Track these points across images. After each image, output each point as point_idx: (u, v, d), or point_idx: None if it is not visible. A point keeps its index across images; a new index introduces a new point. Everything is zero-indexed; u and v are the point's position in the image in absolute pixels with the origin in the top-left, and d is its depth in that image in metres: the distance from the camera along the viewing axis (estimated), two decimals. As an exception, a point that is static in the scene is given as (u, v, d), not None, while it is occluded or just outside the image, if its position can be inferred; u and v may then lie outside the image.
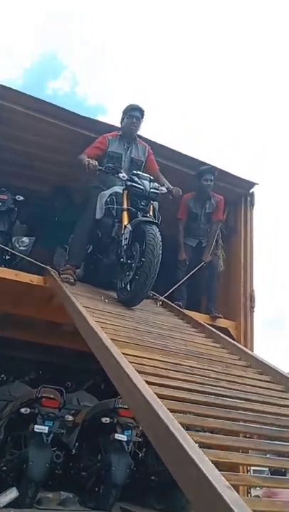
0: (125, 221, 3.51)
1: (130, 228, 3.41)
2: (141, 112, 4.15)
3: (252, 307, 5.16)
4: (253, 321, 5.13)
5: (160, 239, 3.26)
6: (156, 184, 3.67)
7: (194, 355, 2.52)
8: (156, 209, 3.70)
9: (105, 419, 3.72)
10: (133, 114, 4.11)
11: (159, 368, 2.03)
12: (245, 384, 2.29)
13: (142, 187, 3.55)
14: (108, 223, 3.72)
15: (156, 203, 3.71)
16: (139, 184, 3.55)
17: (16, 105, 4.24)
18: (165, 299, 4.14)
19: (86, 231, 3.89)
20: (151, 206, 3.61)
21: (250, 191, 5.49)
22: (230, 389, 2.10)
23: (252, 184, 5.48)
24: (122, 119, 4.18)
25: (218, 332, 3.30)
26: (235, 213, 5.53)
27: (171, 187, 4.03)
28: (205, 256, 5.01)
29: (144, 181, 3.58)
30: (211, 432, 1.74)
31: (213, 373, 2.29)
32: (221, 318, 4.83)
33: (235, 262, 5.35)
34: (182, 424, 1.38)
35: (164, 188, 3.84)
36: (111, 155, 4.04)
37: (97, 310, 2.94)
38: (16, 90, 4.27)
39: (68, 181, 5.24)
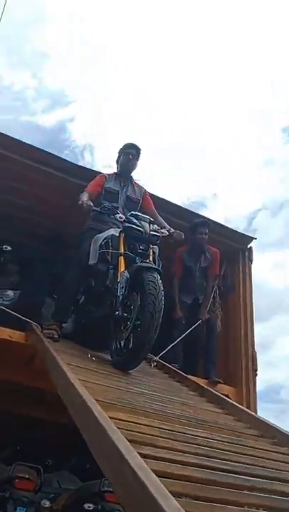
0: (122, 267, 3.08)
1: (127, 275, 2.97)
2: (137, 149, 3.96)
3: (254, 370, 4.70)
4: (255, 386, 4.64)
5: (162, 288, 2.79)
6: (156, 226, 3.29)
7: (196, 422, 2.07)
8: (157, 254, 3.27)
9: (88, 506, 3.12)
10: (129, 151, 3.93)
11: (154, 436, 1.60)
12: (261, 457, 1.83)
13: (141, 229, 3.15)
14: (102, 270, 3.29)
15: (157, 247, 3.29)
16: (137, 226, 3.16)
17: (9, 152, 4.11)
18: (160, 360, 3.70)
19: (77, 279, 3.51)
20: (151, 251, 3.19)
21: (248, 246, 5.28)
22: (245, 464, 1.65)
23: (250, 239, 5.27)
24: (118, 157, 4.00)
25: (221, 395, 2.85)
26: (232, 269, 5.26)
27: (172, 230, 3.67)
28: (202, 314, 4.64)
29: (143, 223, 3.19)
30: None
31: (220, 444, 1.84)
32: (221, 383, 4.35)
33: (235, 321, 4.97)
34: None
35: (164, 231, 3.47)
36: (108, 190, 3.79)
37: (81, 368, 2.51)
38: (9, 137, 4.12)
39: (60, 231, 5.00)
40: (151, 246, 3.19)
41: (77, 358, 2.83)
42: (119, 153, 3.98)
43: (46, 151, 4.27)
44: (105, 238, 3.35)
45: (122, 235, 3.22)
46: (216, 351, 4.66)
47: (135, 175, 4.05)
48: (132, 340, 2.84)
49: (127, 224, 3.22)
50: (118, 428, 1.44)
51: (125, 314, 2.94)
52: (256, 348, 4.85)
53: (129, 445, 1.22)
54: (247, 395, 4.42)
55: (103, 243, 3.33)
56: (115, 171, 4.01)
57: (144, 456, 1.26)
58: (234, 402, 2.69)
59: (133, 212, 3.34)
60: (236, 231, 5.26)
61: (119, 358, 2.90)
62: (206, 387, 3.04)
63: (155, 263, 3.11)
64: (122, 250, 3.15)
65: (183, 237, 3.76)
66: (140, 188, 4.01)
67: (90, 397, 1.68)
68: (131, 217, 3.24)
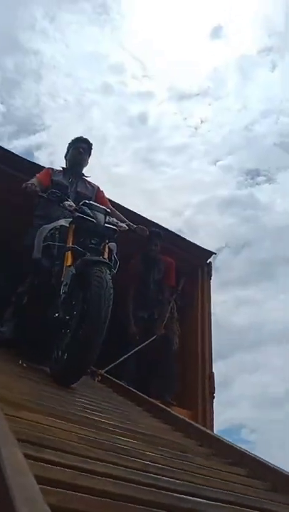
0: (68, 262, 2.60)
1: (73, 271, 2.50)
2: (88, 144, 3.56)
3: (211, 393, 4.33)
4: (212, 409, 4.26)
5: (111, 286, 2.32)
6: (113, 219, 2.83)
7: (134, 434, 1.67)
8: (115, 252, 2.80)
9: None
10: (79, 145, 3.51)
11: (66, 440, 1.19)
12: (211, 477, 1.45)
13: (93, 220, 2.67)
14: (46, 266, 2.79)
15: (114, 245, 2.83)
16: (90, 217, 2.68)
17: None
18: (105, 374, 3.27)
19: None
20: (107, 247, 2.72)
21: (208, 261, 5.02)
22: (191, 482, 1.27)
23: (209, 253, 5.02)
24: (67, 152, 3.57)
25: (171, 411, 2.46)
26: (191, 284, 4.97)
27: (134, 225, 3.21)
28: (158, 329, 4.27)
29: (97, 213, 2.71)
30: None
31: (162, 459, 1.45)
32: (174, 405, 3.94)
33: (191, 339, 4.63)
34: None
35: (123, 225, 2.98)
36: (56, 183, 3.27)
37: (4, 371, 2.07)
38: None
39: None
40: (107, 242, 2.74)
41: (2, 362, 2.37)
42: (69, 147, 3.58)
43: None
44: (52, 229, 2.85)
45: (72, 226, 2.74)
46: (173, 371, 4.27)
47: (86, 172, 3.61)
48: (71, 348, 2.35)
49: (77, 214, 2.74)
50: (14, 426, 1.04)
51: (67, 317, 2.46)
52: (214, 370, 4.52)
53: (9, 437, 0.82)
54: (203, 419, 4.02)
55: (49, 234, 2.84)
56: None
57: (30, 457, 0.86)
58: (184, 418, 2.31)
59: (86, 201, 2.85)
60: (196, 245, 5.01)
61: (58, 369, 2.40)
62: (153, 401, 2.64)
63: (111, 262, 2.61)
64: (69, 244, 2.66)
65: (147, 232, 3.37)
66: (93, 185, 3.55)
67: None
68: (83, 207, 2.76)
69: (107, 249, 2.70)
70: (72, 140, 3.58)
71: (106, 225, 2.70)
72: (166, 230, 4.62)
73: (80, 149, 3.50)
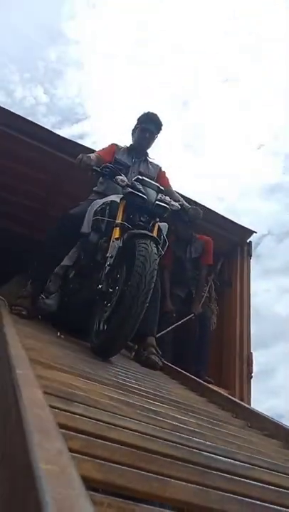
0: (116, 235, 2.50)
1: (119, 244, 2.43)
2: (156, 125, 3.36)
3: (249, 373, 4.25)
4: (250, 390, 4.20)
5: (156, 259, 2.23)
6: (167, 198, 2.69)
7: (166, 400, 1.65)
8: (165, 233, 2.71)
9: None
10: (147, 127, 3.32)
11: (102, 400, 1.19)
12: (245, 445, 1.41)
13: (144, 196, 2.56)
14: (93, 241, 2.70)
15: (165, 224, 2.73)
16: (141, 193, 2.57)
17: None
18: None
19: (58, 244, 2.96)
20: (157, 226, 2.60)
21: (248, 240, 4.89)
22: (223, 447, 1.23)
23: (250, 232, 4.89)
24: (135, 128, 3.40)
25: (206, 384, 2.42)
26: (230, 264, 4.87)
27: (188, 206, 3.07)
28: (195, 307, 4.23)
29: (148, 189, 2.59)
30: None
31: (195, 425, 1.42)
32: (212, 383, 3.90)
33: (230, 320, 4.56)
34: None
35: (176, 204, 2.80)
36: (118, 162, 3.17)
37: (37, 339, 2.10)
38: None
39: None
40: (157, 220, 2.63)
41: (40, 333, 2.41)
42: (137, 124, 3.39)
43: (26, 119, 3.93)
44: (103, 204, 2.76)
45: (123, 202, 2.62)
46: (208, 349, 4.24)
47: (152, 152, 3.46)
48: (111, 321, 2.30)
49: (128, 189, 2.63)
50: (42, 381, 1.04)
51: (110, 289, 2.39)
52: (252, 350, 4.43)
53: (36, 389, 0.81)
54: (240, 398, 3.96)
55: (99, 209, 2.74)
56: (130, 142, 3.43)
57: (55, 408, 0.86)
58: (220, 390, 2.27)
59: (139, 177, 2.71)
60: (235, 223, 4.87)
61: (97, 341, 2.34)
62: (189, 375, 2.61)
63: (159, 243, 2.44)
64: (119, 220, 2.55)
65: (201, 214, 3.16)
66: (155, 166, 3.42)
67: (19, 348, 1.28)
68: (135, 182, 2.64)
69: (156, 228, 2.59)
70: (142, 116, 3.38)
71: (157, 202, 2.59)
72: (205, 207, 4.52)
73: (146, 132, 3.34)
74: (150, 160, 3.41)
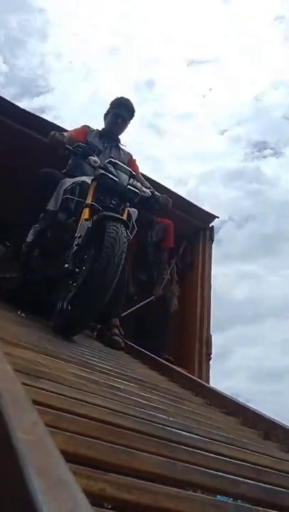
0: (85, 216, 2.49)
1: (89, 225, 2.44)
2: (129, 111, 3.36)
3: (208, 354, 4.37)
4: (208, 370, 4.32)
5: (125, 243, 2.28)
6: (138, 183, 2.72)
7: (130, 379, 1.68)
8: (134, 219, 2.73)
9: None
10: (119, 112, 3.31)
11: (63, 376, 1.19)
12: (205, 422, 1.46)
13: (116, 179, 2.57)
14: (61, 220, 2.68)
15: (135, 210, 2.77)
16: (113, 175, 2.57)
17: None
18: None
19: (30, 221, 2.90)
20: (126, 210, 2.62)
21: (210, 225, 4.97)
22: (185, 423, 1.28)
23: (212, 217, 4.97)
24: (107, 112, 3.37)
25: (167, 363, 2.48)
26: (192, 248, 4.94)
27: (158, 194, 3.07)
28: (156, 289, 4.28)
29: (120, 173, 2.61)
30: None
31: (158, 403, 1.46)
32: (171, 361, 3.98)
33: (190, 302, 4.64)
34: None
35: (147, 191, 2.87)
36: (89, 144, 3.08)
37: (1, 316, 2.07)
38: None
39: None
40: (127, 205, 2.65)
41: (0, 310, 2.37)
42: (109, 108, 3.37)
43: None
44: (73, 183, 2.74)
45: (94, 183, 2.62)
46: (169, 330, 4.31)
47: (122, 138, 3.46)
48: (76, 300, 2.32)
49: (100, 170, 2.62)
50: (9, 359, 1.03)
51: (76, 269, 2.40)
52: (211, 332, 4.56)
53: (7, 365, 0.81)
54: (199, 377, 4.07)
55: (69, 188, 2.72)
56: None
57: (24, 384, 0.85)
58: (181, 370, 2.33)
59: (112, 160, 2.71)
60: (199, 207, 4.94)
61: (60, 320, 2.35)
62: (150, 354, 2.66)
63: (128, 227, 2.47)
64: (89, 201, 2.54)
65: (170, 203, 3.17)
66: (126, 153, 3.42)
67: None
68: (108, 164, 2.64)
69: (126, 213, 2.60)
70: (115, 101, 3.37)
71: (128, 186, 2.61)
72: (170, 191, 4.54)
73: (119, 118, 3.33)
74: (122, 146, 3.40)
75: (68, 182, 2.78)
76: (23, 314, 2.53)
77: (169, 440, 1.03)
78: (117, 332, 2.93)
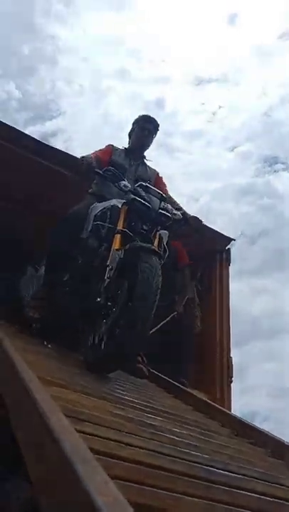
0: (116, 245, 2.39)
1: (120, 255, 2.33)
2: (155, 125, 3.31)
3: (229, 377, 4.37)
4: (230, 394, 4.31)
5: (160, 279, 2.16)
6: (168, 206, 2.64)
7: (162, 414, 1.73)
8: (165, 242, 2.63)
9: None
10: (146, 126, 3.28)
11: (101, 416, 1.25)
12: (237, 456, 1.50)
13: (148, 204, 2.51)
14: (92, 246, 2.61)
15: (166, 232, 2.65)
16: (144, 200, 2.51)
17: None
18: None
19: (63, 247, 2.83)
20: (158, 235, 2.55)
21: (227, 247, 5.02)
22: (218, 460, 1.31)
23: (228, 240, 5.02)
24: (132, 130, 3.35)
25: (190, 391, 2.51)
26: (210, 270, 4.98)
27: (189, 214, 3.01)
28: (177, 305, 4.29)
29: (152, 197, 2.56)
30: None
31: (188, 436, 1.50)
32: (185, 383, 3.95)
33: (210, 325, 4.66)
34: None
35: (178, 213, 2.77)
36: (114, 163, 3.04)
37: (34, 352, 2.14)
38: None
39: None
40: (158, 228, 2.56)
41: (28, 343, 2.44)
42: (134, 125, 3.34)
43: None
44: (104, 208, 2.67)
45: (125, 207, 2.54)
46: (191, 354, 4.31)
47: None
48: (111, 337, 2.19)
49: (131, 195, 2.56)
50: (59, 405, 1.10)
51: (108, 303, 2.28)
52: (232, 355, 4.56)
53: (60, 414, 0.87)
54: (221, 402, 4.06)
55: (99, 214, 2.67)
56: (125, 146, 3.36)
57: (80, 432, 0.92)
58: (206, 399, 2.36)
59: (143, 183, 2.67)
60: (215, 230, 4.99)
61: (94, 357, 2.24)
62: (175, 383, 2.70)
63: (160, 250, 2.42)
64: (120, 227, 2.45)
65: (201, 224, 3.14)
66: (152, 170, 3.34)
67: (28, 371, 1.32)
68: (138, 188, 2.58)
69: (157, 237, 2.53)
70: (139, 118, 3.35)
71: (160, 211, 2.54)
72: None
73: (145, 131, 3.28)
74: (147, 163, 3.35)
75: (99, 207, 2.72)
76: (49, 345, 2.59)
77: (206, 480, 1.07)
78: (140, 360, 2.97)
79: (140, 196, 2.52)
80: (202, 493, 0.94)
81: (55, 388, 1.40)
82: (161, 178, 3.37)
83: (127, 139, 3.41)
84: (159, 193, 2.63)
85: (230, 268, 5.04)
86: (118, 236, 2.41)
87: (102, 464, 0.86)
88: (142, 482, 0.86)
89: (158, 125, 3.34)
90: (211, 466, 1.18)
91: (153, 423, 1.43)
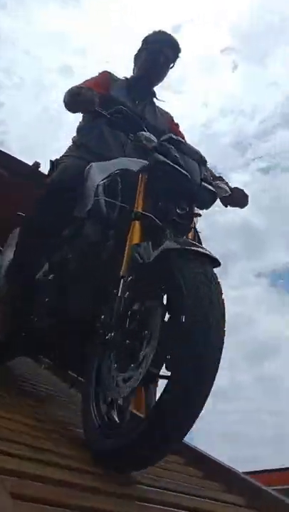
0: (134, 239, 1.38)
1: (145, 260, 1.29)
2: (175, 49, 2.15)
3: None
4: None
5: (223, 300, 1.18)
6: (209, 175, 1.59)
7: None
8: (196, 224, 1.59)
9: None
10: (163, 48, 2.12)
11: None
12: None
13: (184, 172, 1.47)
14: (90, 233, 1.60)
15: (198, 218, 1.58)
16: (179, 165, 1.47)
17: None
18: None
19: (45, 229, 1.85)
20: (194, 224, 1.54)
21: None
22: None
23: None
24: (139, 52, 2.19)
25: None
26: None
27: (231, 186, 1.86)
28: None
29: (189, 160, 1.51)
30: None
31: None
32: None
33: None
34: None
35: (225, 187, 1.72)
36: (113, 99, 1.98)
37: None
38: None
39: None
40: (196, 211, 1.52)
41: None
42: (144, 45, 2.18)
43: None
44: (108, 176, 1.62)
45: (144, 176, 1.51)
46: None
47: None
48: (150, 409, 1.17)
49: (159, 156, 1.49)
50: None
51: (128, 341, 1.26)
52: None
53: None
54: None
55: (102, 184, 1.60)
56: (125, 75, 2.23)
57: None
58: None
59: (173, 136, 1.58)
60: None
61: (104, 446, 1.26)
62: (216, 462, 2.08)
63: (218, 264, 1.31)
64: (138, 208, 1.43)
65: (248, 202, 1.94)
66: (164, 113, 2.25)
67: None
68: (167, 145, 1.52)
69: (193, 226, 1.54)
70: (152, 34, 2.17)
71: (203, 183, 1.50)
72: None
73: (161, 56, 2.12)
74: (158, 103, 2.26)
75: (101, 171, 1.68)
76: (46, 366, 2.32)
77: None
78: None
79: (173, 158, 1.48)
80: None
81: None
82: (178, 125, 2.26)
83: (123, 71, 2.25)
84: (196, 152, 1.56)
85: None
86: (136, 224, 1.40)
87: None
88: None
89: (179, 50, 2.18)
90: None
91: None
